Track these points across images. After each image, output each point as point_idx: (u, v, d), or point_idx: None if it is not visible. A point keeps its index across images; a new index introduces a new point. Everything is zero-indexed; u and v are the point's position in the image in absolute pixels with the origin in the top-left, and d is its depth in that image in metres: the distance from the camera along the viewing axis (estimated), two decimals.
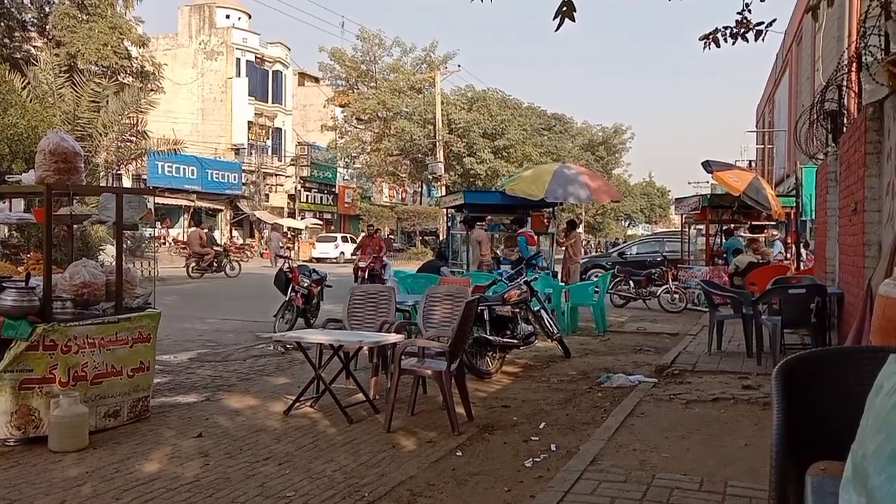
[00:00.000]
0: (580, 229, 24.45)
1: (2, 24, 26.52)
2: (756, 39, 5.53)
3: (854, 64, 7.22)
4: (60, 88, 20.41)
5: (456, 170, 42.13)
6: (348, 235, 40.26)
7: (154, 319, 5.78)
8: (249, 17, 44.17)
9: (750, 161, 38.25)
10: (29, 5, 27.94)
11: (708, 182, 39.94)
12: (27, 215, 6.66)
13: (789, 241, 16.24)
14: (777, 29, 5.81)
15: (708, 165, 13.90)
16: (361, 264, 15.02)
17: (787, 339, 7.91)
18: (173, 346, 9.19)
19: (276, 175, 44.51)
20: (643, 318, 12.89)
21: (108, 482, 4.21)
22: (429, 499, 4.02)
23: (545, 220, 15.02)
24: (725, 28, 5.58)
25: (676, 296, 14.07)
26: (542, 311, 8.75)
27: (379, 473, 4.42)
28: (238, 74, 41.98)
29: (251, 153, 42.48)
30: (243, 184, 40.74)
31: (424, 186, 50.87)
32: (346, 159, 48.48)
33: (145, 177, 33.59)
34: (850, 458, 1.34)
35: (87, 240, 17.28)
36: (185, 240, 29.08)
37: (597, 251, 42.08)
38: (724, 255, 14.68)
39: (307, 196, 46.97)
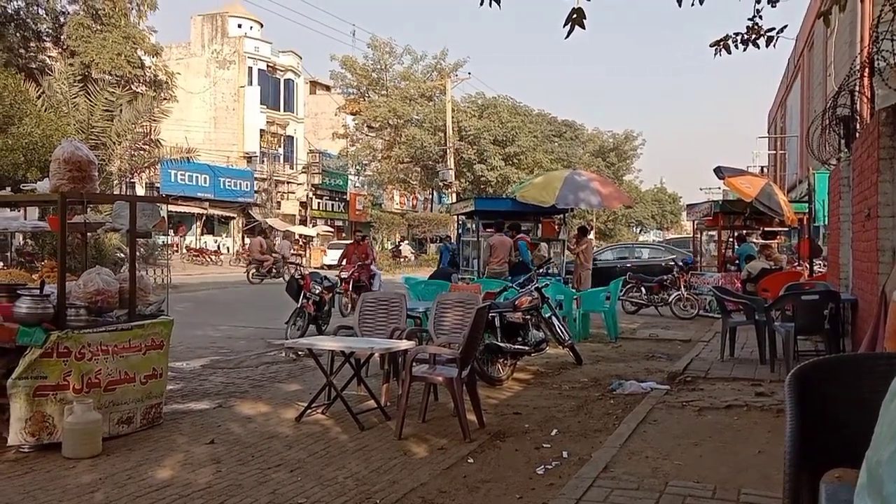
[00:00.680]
0: (591, 235, 24.38)
1: (18, 34, 26.88)
2: (767, 46, 5.49)
3: (866, 69, 7.18)
4: (75, 98, 20.67)
5: (466, 177, 42.23)
6: None
7: (167, 326, 5.82)
8: (261, 26, 44.56)
9: (762, 167, 38.10)
10: (44, 16, 28.30)
11: (720, 188, 40.00)
12: (42, 223, 6.72)
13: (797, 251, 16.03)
14: (788, 35, 5.79)
15: (720, 171, 13.87)
16: (344, 275, 13.37)
17: (801, 346, 7.86)
18: (186, 352, 9.24)
19: (288, 183, 44.76)
20: (655, 325, 12.83)
21: (121, 489, 4.24)
22: None
23: (556, 227, 14.98)
24: (736, 34, 5.56)
25: (689, 302, 14.02)
26: (554, 318, 8.72)
27: (390, 480, 4.42)
28: (250, 83, 42.32)
29: (263, 161, 42.76)
30: (255, 191, 40.97)
31: (435, 193, 50.99)
32: (357, 167, 48.70)
33: (158, 185, 33.87)
34: (865, 465, 1.33)
35: (101, 248, 17.42)
36: (247, 248, 30.79)
37: None
38: (737, 262, 14.60)
39: (318, 203, 47.14)
